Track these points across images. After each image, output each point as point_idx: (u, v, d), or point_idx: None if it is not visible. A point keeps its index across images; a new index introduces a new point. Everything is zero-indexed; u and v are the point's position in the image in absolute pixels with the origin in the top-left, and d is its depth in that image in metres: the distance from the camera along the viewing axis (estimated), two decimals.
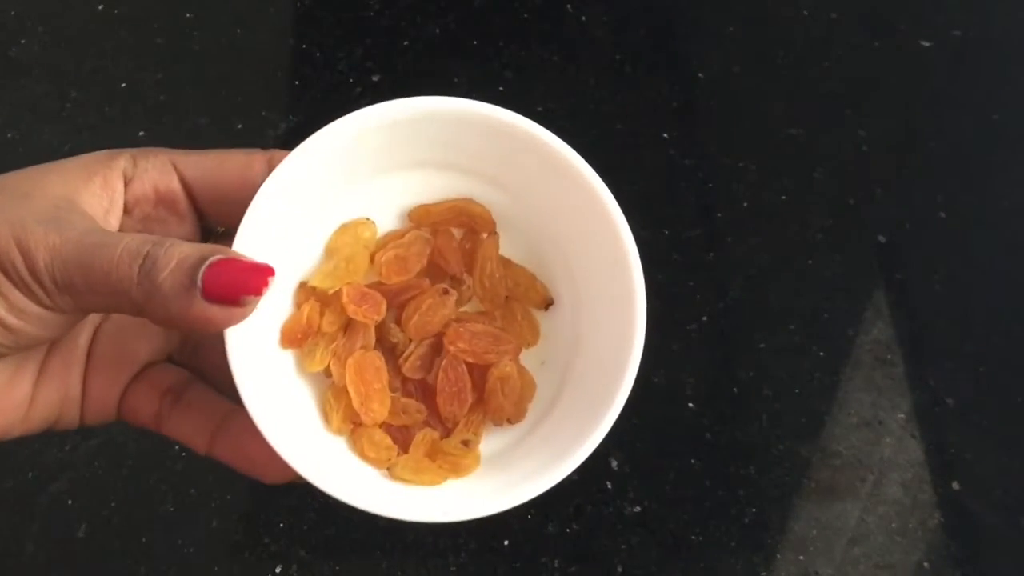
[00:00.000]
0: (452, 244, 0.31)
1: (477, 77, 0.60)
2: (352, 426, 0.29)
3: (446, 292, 0.30)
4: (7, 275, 0.24)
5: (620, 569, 0.47)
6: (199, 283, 0.24)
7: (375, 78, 0.59)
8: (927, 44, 0.64)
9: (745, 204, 0.57)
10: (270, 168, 0.28)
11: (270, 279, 0.25)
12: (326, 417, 0.29)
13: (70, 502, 0.46)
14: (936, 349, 0.54)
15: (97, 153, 0.28)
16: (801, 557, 0.48)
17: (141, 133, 0.56)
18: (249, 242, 0.27)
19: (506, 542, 0.47)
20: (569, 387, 0.30)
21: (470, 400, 0.30)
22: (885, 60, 0.63)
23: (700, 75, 0.62)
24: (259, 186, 0.27)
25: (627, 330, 0.28)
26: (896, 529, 0.49)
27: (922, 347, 0.54)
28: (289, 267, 0.30)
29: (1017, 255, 0.58)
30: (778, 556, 0.48)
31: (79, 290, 0.25)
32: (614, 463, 0.49)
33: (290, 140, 0.34)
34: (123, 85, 0.57)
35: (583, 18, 0.63)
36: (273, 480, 0.28)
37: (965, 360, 0.54)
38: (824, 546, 0.48)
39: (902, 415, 0.52)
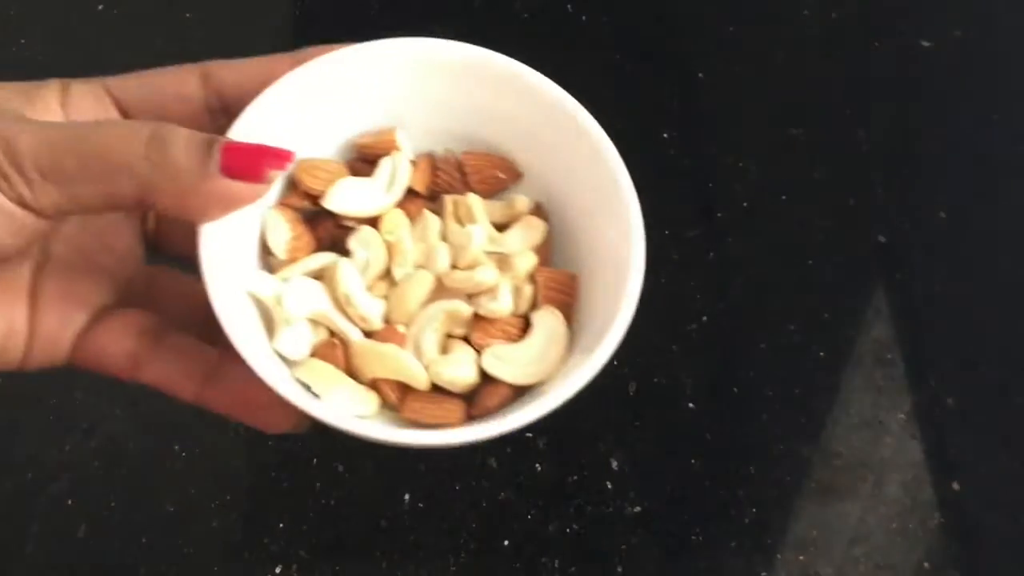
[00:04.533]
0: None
1: None
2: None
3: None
4: None
5: (620, 569, 0.47)
6: (216, 157, 0.23)
7: None
8: (927, 44, 0.64)
9: (745, 204, 0.57)
10: (296, 67, 0.27)
11: (292, 155, 0.24)
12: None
13: (70, 502, 0.46)
14: (936, 349, 0.54)
15: (26, 82, 0.27)
16: (801, 557, 0.48)
17: None
18: (247, 133, 0.26)
19: (506, 542, 0.47)
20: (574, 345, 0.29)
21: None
22: (885, 60, 0.63)
23: (700, 75, 0.62)
24: (198, 103, 0.26)
25: (628, 250, 0.28)
26: (896, 529, 0.49)
27: (922, 347, 0.54)
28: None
29: (1017, 255, 0.58)
30: (778, 556, 0.48)
31: (70, 175, 0.22)
32: (614, 463, 0.49)
33: None
34: None
35: (583, 18, 0.63)
36: (275, 428, 0.27)
37: (965, 360, 0.54)
38: (824, 546, 0.48)
39: (902, 415, 0.52)
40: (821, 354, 0.53)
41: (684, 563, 0.48)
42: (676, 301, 0.54)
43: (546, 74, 0.31)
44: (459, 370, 0.28)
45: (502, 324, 0.29)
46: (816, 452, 0.51)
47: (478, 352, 0.29)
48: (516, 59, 0.31)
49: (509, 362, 0.28)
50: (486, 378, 0.28)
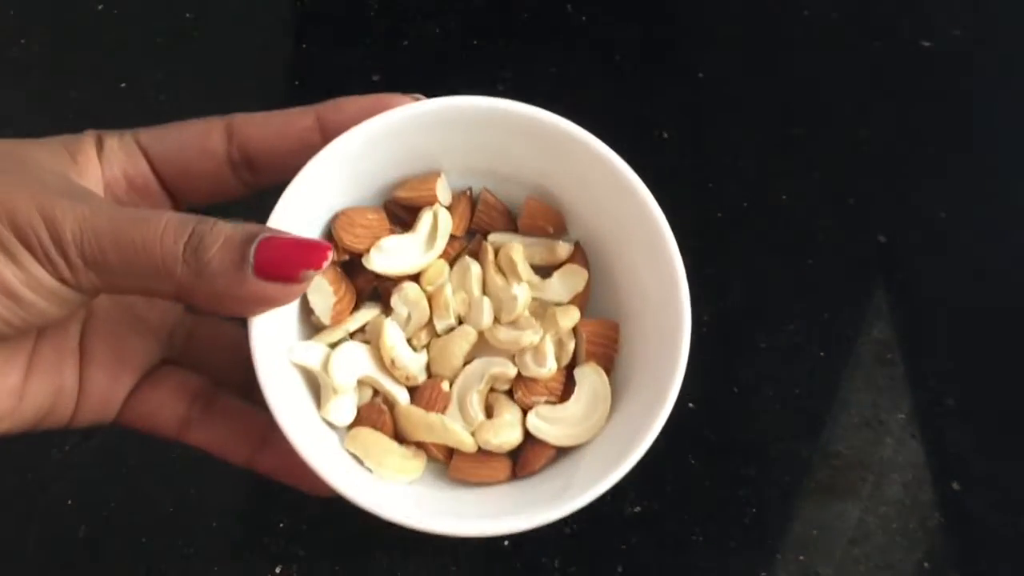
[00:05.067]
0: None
1: (477, 77, 0.60)
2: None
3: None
4: (29, 247, 0.23)
5: (620, 569, 0.47)
6: (251, 259, 0.23)
7: (375, 78, 0.59)
8: (927, 44, 0.64)
9: (745, 204, 0.57)
10: (320, 120, 0.27)
11: (329, 254, 0.24)
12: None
13: (70, 502, 0.46)
14: (936, 349, 0.54)
15: (64, 136, 0.27)
16: (801, 557, 0.48)
17: None
18: (289, 218, 0.26)
19: (506, 542, 0.47)
20: (616, 397, 0.30)
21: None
22: (885, 60, 0.63)
23: (700, 75, 0.62)
24: (221, 157, 0.27)
25: (675, 308, 0.28)
26: (896, 529, 0.49)
27: (922, 347, 0.54)
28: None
29: (1017, 255, 0.58)
30: (778, 556, 0.48)
31: (111, 266, 0.23)
32: None
33: None
34: (123, 85, 0.57)
35: (583, 18, 0.63)
36: (325, 493, 0.27)
37: (965, 360, 0.54)
38: (824, 546, 0.48)
39: (902, 415, 0.52)
40: (821, 354, 0.53)
41: (684, 563, 0.48)
42: None
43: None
44: (507, 436, 0.28)
45: (545, 381, 0.29)
46: (816, 452, 0.51)
47: (522, 409, 0.29)
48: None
49: (555, 423, 0.29)
50: (530, 436, 0.29)
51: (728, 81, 0.62)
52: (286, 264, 0.24)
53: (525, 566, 0.47)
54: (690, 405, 0.51)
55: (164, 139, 0.27)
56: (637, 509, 0.48)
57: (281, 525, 0.47)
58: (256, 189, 0.28)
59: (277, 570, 0.46)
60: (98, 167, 0.27)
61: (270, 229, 0.24)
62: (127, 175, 0.27)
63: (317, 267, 0.24)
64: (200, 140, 0.27)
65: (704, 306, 0.54)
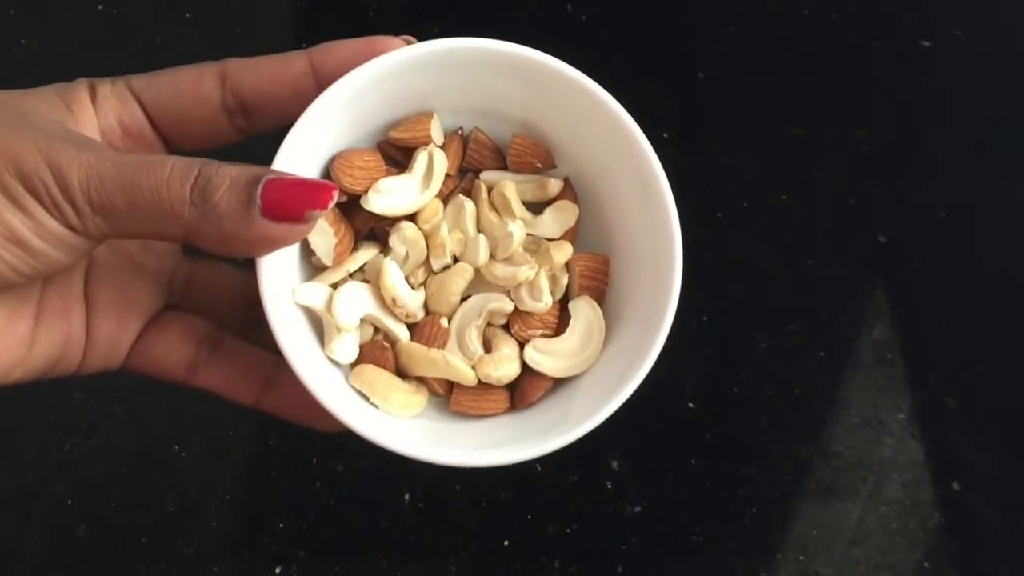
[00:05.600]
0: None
1: None
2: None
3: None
4: (36, 195, 0.23)
5: (620, 569, 0.47)
6: (258, 200, 0.23)
7: None
8: (927, 44, 0.64)
9: (745, 204, 0.57)
10: (312, 65, 0.27)
11: (335, 193, 0.24)
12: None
13: (70, 502, 0.46)
14: (936, 349, 0.54)
15: (56, 84, 0.27)
16: (801, 557, 0.48)
17: None
18: (291, 162, 0.27)
19: (506, 542, 0.47)
20: (609, 329, 0.30)
21: None
22: (885, 60, 0.63)
23: (700, 75, 0.62)
24: (215, 103, 0.27)
25: (667, 242, 0.29)
26: (896, 529, 0.49)
27: (922, 347, 0.54)
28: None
29: (1017, 255, 0.57)
30: (778, 556, 0.48)
31: (119, 212, 0.23)
32: (614, 463, 0.49)
33: None
34: None
35: (583, 18, 0.63)
36: (331, 429, 0.28)
37: (965, 360, 0.54)
38: (824, 546, 0.48)
39: (902, 415, 0.52)
40: (821, 354, 0.53)
41: (684, 563, 0.48)
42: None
43: None
44: (506, 370, 0.29)
45: (541, 315, 0.30)
46: (816, 452, 0.51)
47: (519, 344, 0.30)
48: None
49: (551, 355, 0.30)
50: (528, 370, 0.30)
51: (728, 81, 0.62)
52: (293, 204, 0.24)
53: (525, 566, 0.47)
54: (690, 405, 0.51)
55: (157, 85, 0.28)
56: (637, 509, 0.48)
57: (281, 525, 0.47)
58: (250, 134, 0.29)
59: (277, 570, 0.46)
60: (93, 115, 0.27)
61: (274, 171, 0.25)
62: (122, 122, 0.27)
63: (323, 207, 0.24)
64: (194, 86, 0.27)
65: (704, 306, 0.54)
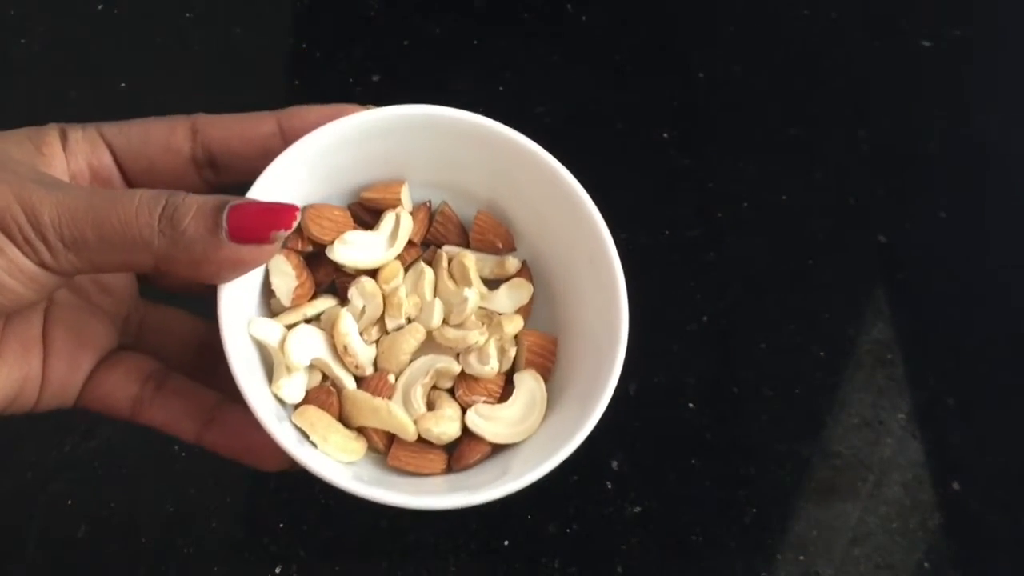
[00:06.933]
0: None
1: (477, 77, 0.60)
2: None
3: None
4: (8, 234, 0.24)
5: (620, 569, 0.47)
6: (224, 224, 0.24)
7: (375, 78, 0.59)
8: (927, 44, 0.64)
9: (745, 204, 0.57)
10: (280, 127, 0.29)
11: (297, 214, 0.26)
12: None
13: (70, 502, 0.46)
14: (936, 349, 0.54)
15: (28, 128, 0.28)
16: (801, 557, 0.48)
17: None
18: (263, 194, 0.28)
19: (506, 542, 0.47)
20: (551, 405, 0.31)
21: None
22: (885, 60, 0.63)
23: (700, 75, 0.62)
24: (185, 155, 0.28)
25: (613, 323, 0.29)
26: (896, 529, 0.49)
27: (922, 347, 0.54)
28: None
29: (1017, 255, 0.58)
30: (778, 556, 0.48)
31: (91, 245, 0.24)
32: (614, 463, 0.49)
33: None
34: (123, 85, 0.57)
35: (583, 18, 0.63)
36: (270, 468, 0.29)
37: (965, 360, 0.54)
38: (824, 546, 0.48)
39: (902, 415, 0.52)
40: (821, 354, 0.53)
41: (684, 563, 0.48)
42: (676, 301, 0.54)
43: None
44: (446, 427, 0.30)
45: (486, 382, 0.31)
46: (816, 452, 0.51)
47: (462, 408, 0.31)
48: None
49: (492, 421, 0.30)
50: (468, 433, 0.30)
51: (728, 81, 0.62)
52: (258, 226, 0.25)
53: (525, 566, 0.47)
54: (690, 405, 0.51)
55: (128, 134, 0.28)
56: (637, 509, 0.48)
57: (281, 525, 0.47)
58: (217, 187, 0.29)
59: (277, 570, 0.46)
60: (63, 159, 0.28)
61: (237, 198, 0.26)
62: (91, 165, 0.28)
63: (287, 227, 0.25)
64: (165, 137, 0.28)
65: (704, 306, 0.54)
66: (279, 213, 0.25)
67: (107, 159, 0.28)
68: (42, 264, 0.24)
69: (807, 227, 0.57)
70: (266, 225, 0.25)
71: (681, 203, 0.57)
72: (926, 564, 0.48)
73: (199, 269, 0.25)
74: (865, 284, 0.56)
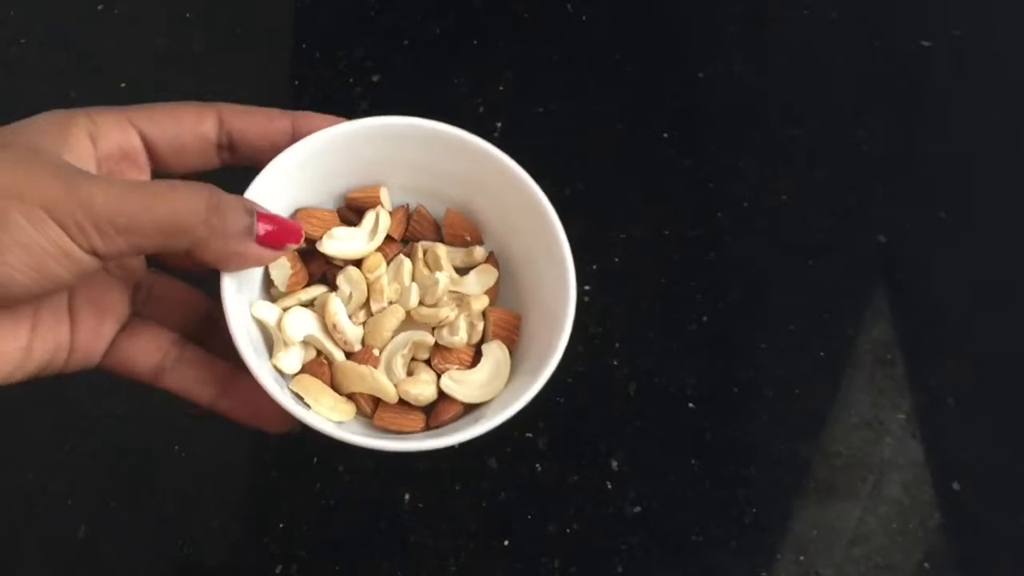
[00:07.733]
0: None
1: (477, 77, 0.60)
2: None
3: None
4: (63, 225, 0.26)
5: (620, 569, 0.47)
6: (257, 229, 0.30)
7: (375, 78, 0.59)
8: (927, 44, 0.64)
9: (745, 204, 0.57)
10: (293, 126, 0.33)
11: (302, 233, 0.32)
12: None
13: (70, 502, 0.46)
14: (936, 349, 0.54)
15: (55, 113, 0.30)
16: (801, 557, 0.48)
17: None
18: (260, 196, 0.32)
19: (506, 542, 0.47)
20: (513, 370, 0.35)
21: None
22: (885, 60, 0.63)
23: (700, 75, 0.62)
24: (212, 140, 0.32)
25: (564, 300, 0.33)
26: (896, 529, 0.49)
27: (922, 347, 0.54)
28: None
29: (1017, 255, 0.58)
30: (778, 556, 0.48)
31: (141, 231, 0.27)
32: (614, 463, 0.49)
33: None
34: (123, 85, 0.57)
35: (583, 18, 0.63)
36: (275, 430, 0.33)
37: (965, 360, 0.54)
38: (824, 546, 0.48)
39: (902, 415, 0.52)
40: (821, 354, 0.53)
41: (684, 563, 0.48)
42: (676, 301, 0.54)
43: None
44: (422, 389, 0.34)
45: (458, 352, 0.35)
46: (816, 452, 0.51)
47: (438, 374, 0.35)
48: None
49: (463, 384, 0.35)
50: (443, 396, 0.35)
51: (728, 81, 0.62)
52: (281, 237, 0.31)
53: (525, 566, 0.47)
54: (690, 405, 0.51)
55: (159, 121, 0.31)
56: (637, 509, 0.48)
57: (281, 525, 0.47)
58: (230, 166, 0.33)
59: (277, 570, 0.46)
60: (89, 144, 0.30)
61: (257, 204, 0.30)
62: (122, 148, 0.31)
63: (296, 242, 0.31)
64: (195, 124, 0.32)
65: (704, 306, 0.54)
66: (293, 230, 0.31)
67: (136, 141, 0.31)
68: (92, 250, 0.27)
69: (807, 227, 0.57)
70: (285, 237, 0.31)
71: (681, 203, 0.57)
72: (926, 564, 0.48)
73: (227, 259, 0.30)
74: (865, 284, 0.56)
